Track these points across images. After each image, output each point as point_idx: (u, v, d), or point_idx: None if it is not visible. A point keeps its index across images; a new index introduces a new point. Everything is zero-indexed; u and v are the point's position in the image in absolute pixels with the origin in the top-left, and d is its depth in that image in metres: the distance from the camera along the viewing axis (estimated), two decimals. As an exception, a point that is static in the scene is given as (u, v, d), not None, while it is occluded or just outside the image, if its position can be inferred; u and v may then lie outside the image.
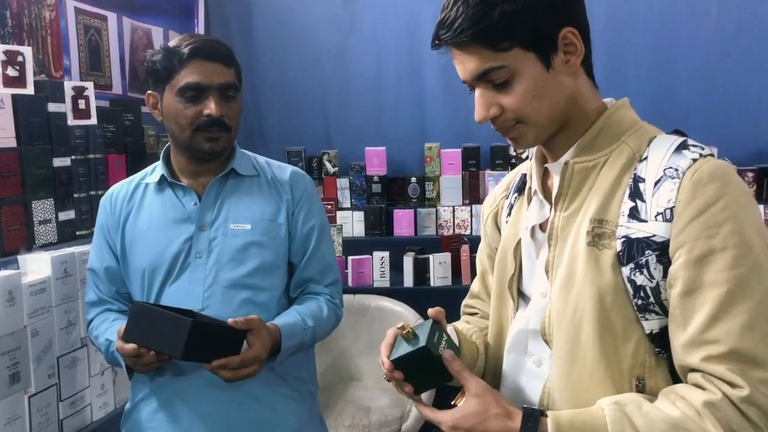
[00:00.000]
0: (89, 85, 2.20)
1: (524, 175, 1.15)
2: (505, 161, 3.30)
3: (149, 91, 1.55)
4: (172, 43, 1.49)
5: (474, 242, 3.13)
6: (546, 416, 0.90)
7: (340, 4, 3.48)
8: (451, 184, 3.32)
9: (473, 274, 3.02)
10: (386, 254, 3.10)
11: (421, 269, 3.12)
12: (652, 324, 0.91)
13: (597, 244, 0.93)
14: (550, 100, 0.96)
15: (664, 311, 0.90)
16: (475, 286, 1.30)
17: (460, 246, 3.14)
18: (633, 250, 0.90)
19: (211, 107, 1.44)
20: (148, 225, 1.53)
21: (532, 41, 0.93)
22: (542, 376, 1.01)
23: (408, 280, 3.11)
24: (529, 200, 1.09)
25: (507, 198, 1.18)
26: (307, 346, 1.55)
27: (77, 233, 2.13)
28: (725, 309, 0.83)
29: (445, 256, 3.12)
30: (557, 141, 1.02)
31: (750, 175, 3.01)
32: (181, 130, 1.47)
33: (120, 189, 1.60)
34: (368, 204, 3.35)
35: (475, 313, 1.29)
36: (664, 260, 0.89)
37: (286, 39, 3.45)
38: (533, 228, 1.06)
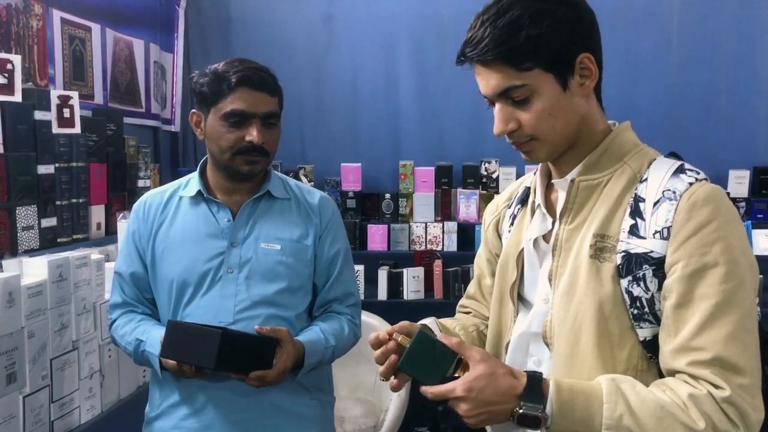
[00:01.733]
0: (74, 95, 2.23)
1: (528, 188, 1.22)
2: (476, 180, 3.40)
3: (193, 110, 1.59)
4: (221, 68, 1.52)
5: (446, 258, 3.22)
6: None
7: (318, 24, 3.57)
8: (424, 201, 3.40)
9: (445, 288, 3.15)
10: (361, 268, 3.16)
11: (395, 283, 3.19)
12: (645, 332, 0.99)
13: (599, 256, 1.01)
14: (564, 120, 1.04)
15: (658, 321, 0.99)
16: (472, 287, 1.37)
17: (433, 261, 3.22)
18: (632, 264, 0.98)
19: (253, 134, 1.49)
20: (181, 237, 1.56)
21: (553, 64, 1.00)
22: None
23: (382, 294, 3.17)
24: (533, 213, 1.17)
25: (509, 208, 1.26)
26: (327, 362, 1.61)
27: (58, 240, 2.14)
28: (712, 320, 0.92)
29: (419, 271, 3.20)
30: (565, 158, 1.09)
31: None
32: (222, 152, 1.52)
33: (153, 198, 1.63)
34: (343, 219, 3.39)
35: (468, 312, 1.37)
36: (660, 274, 0.97)
37: (265, 56, 3.46)
38: (536, 239, 1.14)
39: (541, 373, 0.97)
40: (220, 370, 1.38)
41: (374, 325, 2.90)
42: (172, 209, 1.60)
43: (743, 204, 3.25)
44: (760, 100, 3.32)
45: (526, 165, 3.11)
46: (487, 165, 3.40)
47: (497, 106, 1.04)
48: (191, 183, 1.62)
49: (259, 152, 1.52)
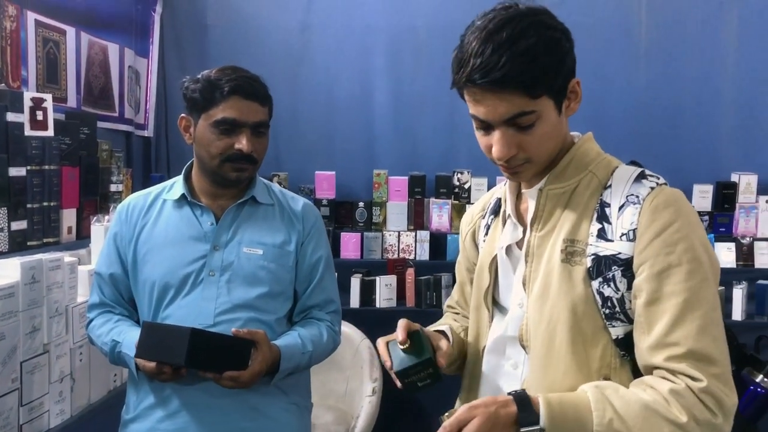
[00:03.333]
0: (48, 97, 2.22)
1: (499, 199, 1.27)
2: (448, 190, 3.45)
3: (183, 115, 1.60)
4: (213, 75, 1.53)
5: (418, 267, 3.25)
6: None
7: (295, 33, 3.59)
8: (397, 210, 3.43)
9: (417, 296, 3.19)
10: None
11: (368, 291, 3.21)
12: (617, 330, 1.04)
13: (570, 260, 1.06)
14: (556, 141, 1.08)
15: (628, 319, 1.04)
16: (455, 294, 1.43)
17: (405, 269, 3.25)
18: (601, 266, 1.03)
19: (243, 143, 1.51)
20: (164, 239, 1.57)
21: (558, 90, 1.04)
22: (519, 377, 1.12)
23: (354, 301, 3.19)
24: (504, 222, 1.21)
25: (484, 218, 1.31)
26: (304, 368, 1.62)
27: (29, 243, 2.12)
28: (683, 316, 0.97)
29: (391, 279, 3.22)
30: None
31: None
32: (211, 158, 1.54)
33: (137, 201, 1.64)
34: (316, 227, 3.42)
35: (457, 313, 1.42)
36: (628, 275, 1.02)
37: (241, 63, 3.45)
38: (509, 246, 1.18)
39: (524, 390, 1.00)
40: (191, 367, 1.40)
41: (346, 332, 2.91)
42: (155, 212, 1.61)
43: (706, 217, 3.34)
44: (723, 117, 3.42)
45: (497, 176, 3.16)
46: (459, 175, 3.45)
47: (499, 132, 1.04)
48: (175, 186, 1.62)
49: (248, 160, 1.54)
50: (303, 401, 1.67)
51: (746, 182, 3.32)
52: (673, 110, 3.44)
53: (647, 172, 1.09)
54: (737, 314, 3.06)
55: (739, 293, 3.06)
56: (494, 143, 1.05)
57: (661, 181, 1.07)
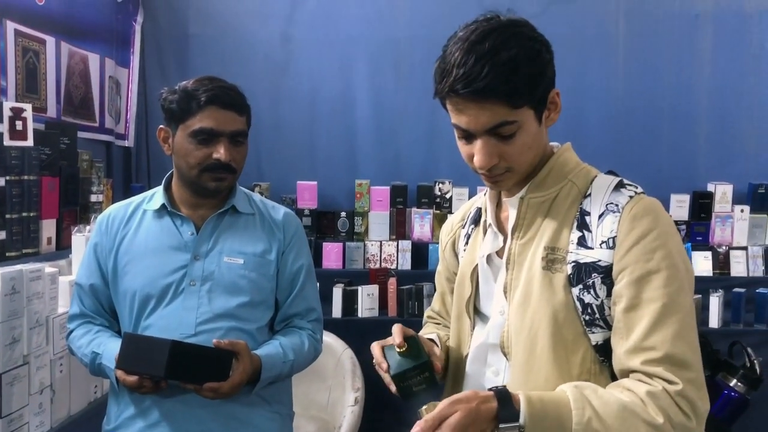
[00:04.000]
0: (28, 107, 2.21)
1: (479, 209, 1.28)
2: (430, 200, 3.46)
3: (162, 126, 1.60)
4: (190, 86, 1.54)
5: (400, 276, 3.26)
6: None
7: (277, 44, 3.60)
8: (379, 220, 3.44)
9: (399, 306, 3.20)
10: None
11: (350, 301, 3.21)
12: (597, 336, 1.06)
13: (550, 268, 1.07)
14: (536, 151, 1.10)
15: (607, 325, 1.06)
16: (435, 303, 1.44)
17: (387, 279, 3.26)
18: (582, 273, 1.05)
19: (221, 152, 1.52)
20: (144, 249, 1.57)
21: (538, 100, 1.06)
22: (500, 384, 1.12)
23: (336, 311, 3.18)
24: (485, 231, 1.23)
25: (464, 228, 1.32)
26: (285, 377, 1.62)
27: (7, 254, 2.10)
28: (661, 320, 0.99)
29: (373, 288, 3.23)
30: None
31: (651, 220, 3.30)
32: (189, 168, 1.54)
33: (117, 211, 1.64)
34: (298, 237, 3.41)
35: (438, 323, 1.43)
36: (608, 282, 1.04)
37: (222, 73, 3.45)
38: (489, 255, 1.19)
39: (505, 387, 1.00)
40: (171, 379, 1.40)
41: (328, 342, 2.91)
42: (135, 222, 1.61)
43: (683, 227, 3.39)
44: (699, 128, 3.48)
45: (479, 186, 3.18)
46: (441, 185, 3.47)
47: (481, 141, 1.06)
48: (156, 197, 1.62)
49: (226, 170, 1.55)
50: (285, 409, 1.68)
51: (722, 192, 3.37)
52: (650, 120, 3.50)
53: (625, 181, 1.11)
54: (714, 322, 3.11)
55: (715, 301, 3.10)
56: (476, 152, 1.06)
57: (639, 190, 1.09)
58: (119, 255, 1.59)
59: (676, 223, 3.37)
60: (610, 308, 1.05)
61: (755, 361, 1.07)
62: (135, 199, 1.66)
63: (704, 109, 3.48)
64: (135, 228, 1.60)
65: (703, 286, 3.18)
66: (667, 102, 3.48)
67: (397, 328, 1.16)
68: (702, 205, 3.39)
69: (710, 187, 3.42)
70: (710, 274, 3.28)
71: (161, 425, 1.51)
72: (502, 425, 0.96)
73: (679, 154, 3.48)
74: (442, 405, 0.96)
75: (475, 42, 1.01)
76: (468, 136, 1.07)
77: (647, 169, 3.43)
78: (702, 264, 3.29)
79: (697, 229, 3.39)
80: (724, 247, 3.33)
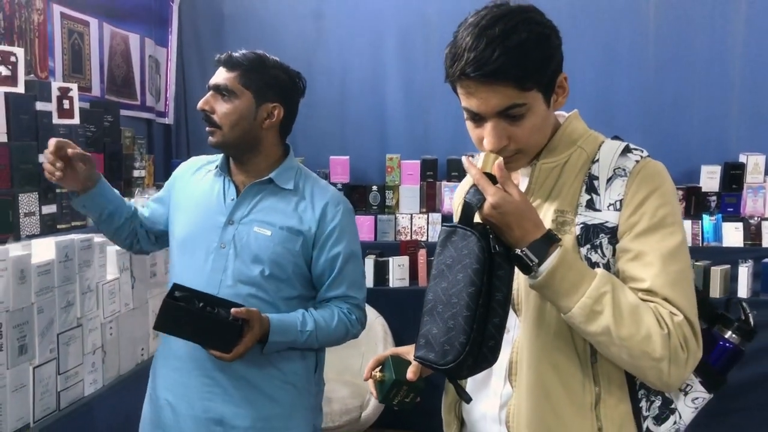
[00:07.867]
0: (74, 87, 2.32)
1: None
2: (460, 173, 3.52)
3: None
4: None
5: (430, 248, 3.34)
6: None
7: (309, 20, 3.68)
8: (409, 194, 3.52)
9: (429, 277, 3.24)
10: (348, 257, 3.27)
11: (381, 271, 3.31)
12: None
13: (560, 230, 1.13)
14: (544, 133, 1.16)
15: None
16: None
17: (418, 251, 3.34)
18: (589, 234, 1.12)
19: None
20: (193, 202, 1.69)
21: (547, 84, 1.10)
22: (510, 340, 1.19)
23: (368, 281, 3.27)
24: None
25: None
26: (302, 346, 1.62)
27: (58, 227, 2.23)
28: (662, 270, 1.06)
29: (404, 260, 3.32)
30: None
31: (680, 193, 3.31)
32: None
33: (195, 162, 1.78)
34: (331, 210, 3.51)
35: None
36: (614, 242, 1.11)
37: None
38: None
39: (555, 235, 1.06)
40: (161, 331, 1.53)
41: (361, 311, 3.02)
42: (199, 175, 1.74)
43: (714, 198, 3.39)
44: (731, 98, 3.45)
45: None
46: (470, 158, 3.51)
47: (491, 123, 1.09)
48: (222, 157, 1.71)
49: (209, 123, 1.62)
50: (302, 382, 1.67)
51: (754, 162, 3.35)
52: (681, 91, 3.48)
53: (631, 146, 1.16)
54: (743, 291, 3.13)
55: (744, 271, 3.12)
56: (486, 135, 1.10)
57: (645, 154, 1.15)
58: (175, 196, 1.74)
59: (707, 195, 3.38)
60: (614, 267, 1.11)
61: (750, 314, 1.13)
62: (214, 156, 1.77)
63: (737, 78, 3.44)
64: (196, 180, 1.72)
65: (733, 257, 3.19)
66: (699, 72, 3.46)
67: (369, 365, 1.26)
68: (733, 176, 3.37)
69: (742, 158, 3.40)
70: (741, 245, 3.29)
71: (186, 364, 1.63)
72: (526, 251, 1.03)
73: (711, 125, 3.47)
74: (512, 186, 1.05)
75: (486, 27, 1.05)
76: (478, 119, 1.11)
77: (678, 140, 3.43)
78: (733, 235, 3.30)
79: (727, 200, 3.38)
80: (756, 218, 3.32)
